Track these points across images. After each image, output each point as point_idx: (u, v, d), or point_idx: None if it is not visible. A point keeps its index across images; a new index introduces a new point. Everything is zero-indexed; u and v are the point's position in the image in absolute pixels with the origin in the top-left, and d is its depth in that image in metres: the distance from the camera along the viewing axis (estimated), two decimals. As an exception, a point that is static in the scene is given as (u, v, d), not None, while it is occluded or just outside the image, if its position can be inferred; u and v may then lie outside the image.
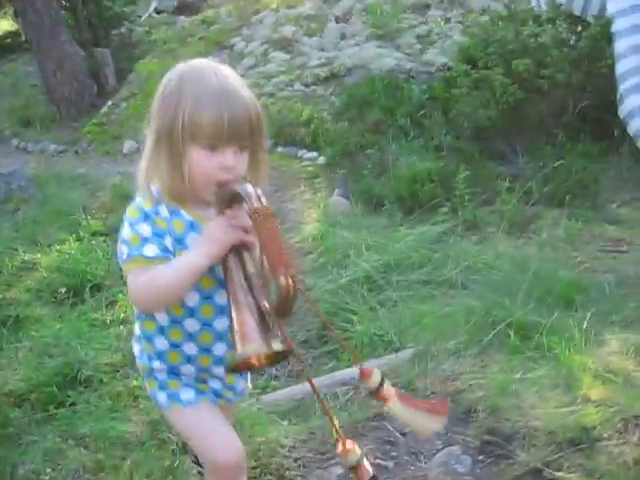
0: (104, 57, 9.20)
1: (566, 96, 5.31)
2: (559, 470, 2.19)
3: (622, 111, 4.93)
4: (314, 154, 6.24)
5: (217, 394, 1.73)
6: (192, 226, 1.57)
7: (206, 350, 1.64)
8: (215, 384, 1.72)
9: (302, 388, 2.90)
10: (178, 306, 1.59)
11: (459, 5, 8.86)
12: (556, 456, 2.24)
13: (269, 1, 9.66)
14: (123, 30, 10.26)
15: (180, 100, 1.49)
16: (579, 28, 5.55)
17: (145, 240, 1.52)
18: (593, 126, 5.29)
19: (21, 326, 3.78)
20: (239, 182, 1.48)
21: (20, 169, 6.39)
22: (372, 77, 6.80)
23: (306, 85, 7.58)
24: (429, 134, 5.72)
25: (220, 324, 1.61)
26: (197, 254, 1.49)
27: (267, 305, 1.43)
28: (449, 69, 6.54)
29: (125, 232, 1.56)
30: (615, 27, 4.96)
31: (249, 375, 1.84)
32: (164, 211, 1.56)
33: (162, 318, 1.62)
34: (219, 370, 1.68)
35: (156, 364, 1.69)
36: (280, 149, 6.54)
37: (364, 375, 1.45)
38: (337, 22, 8.76)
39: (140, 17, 11.14)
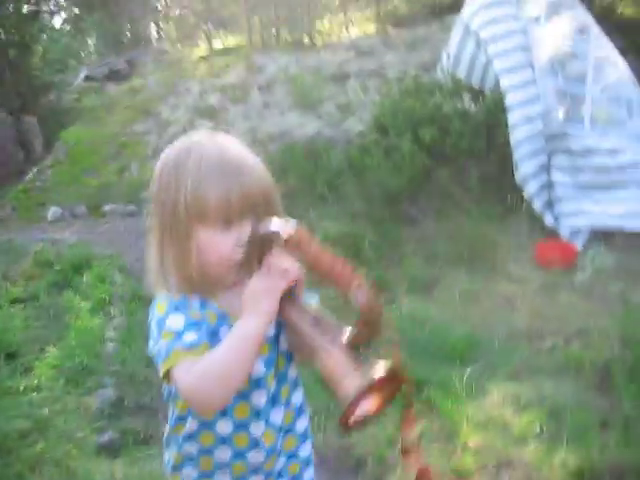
0: (31, 125, 9.31)
1: (469, 162, 5.69)
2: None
3: (518, 177, 5.33)
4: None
5: None
6: (223, 318, 1.36)
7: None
8: None
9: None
10: (209, 435, 1.39)
11: (376, 74, 9.36)
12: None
13: (195, 71, 10.00)
14: (52, 97, 10.39)
15: (179, 179, 1.31)
16: (479, 99, 6.00)
17: (180, 332, 1.29)
18: (494, 190, 5.67)
19: None
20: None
21: (-59, 238, 6.39)
22: (292, 145, 7.10)
23: (230, 152, 7.86)
24: (345, 200, 6.00)
25: (255, 458, 1.41)
26: (250, 318, 1.26)
27: (349, 336, 1.25)
28: (365, 137, 6.91)
29: (154, 333, 1.32)
30: (508, 100, 5.39)
31: None
32: (195, 302, 1.34)
33: (193, 447, 1.42)
34: None
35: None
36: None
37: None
38: (261, 91, 9.13)
39: (69, 85, 11.32)
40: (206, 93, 9.20)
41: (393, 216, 5.59)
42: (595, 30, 5.79)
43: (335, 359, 1.22)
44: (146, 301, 5.12)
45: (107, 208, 7.42)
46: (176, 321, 1.29)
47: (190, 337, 1.27)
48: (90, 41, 18.03)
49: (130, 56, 13.73)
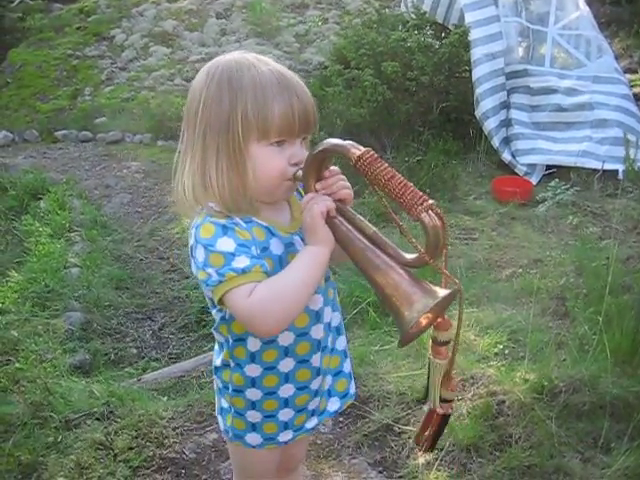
0: (-26, 44, 8.88)
1: (430, 97, 5.74)
2: (406, 425, 2.53)
3: (478, 112, 5.43)
4: (194, 148, 6.37)
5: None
6: (271, 232, 1.37)
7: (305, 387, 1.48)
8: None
9: (181, 366, 3.10)
10: (272, 351, 1.42)
11: (336, 6, 9.24)
12: (405, 413, 2.58)
13: (149, -6, 9.66)
14: (-6, 15, 9.90)
15: (237, 95, 1.28)
16: (442, 35, 6.02)
17: (231, 255, 1.26)
18: (454, 125, 5.76)
19: None
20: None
21: None
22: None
23: (186, 80, 7.70)
24: (305, 130, 6.00)
25: (317, 361, 1.47)
26: (317, 246, 1.32)
27: (407, 256, 1.32)
28: (325, 68, 6.87)
29: (200, 257, 1.28)
30: (472, 36, 5.43)
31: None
32: (241, 221, 1.32)
33: (256, 367, 1.43)
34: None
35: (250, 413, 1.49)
36: (160, 142, 6.65)
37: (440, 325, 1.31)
38: (218, 18, 8.91)
39: (12, 2, 10.78)
40: (161, 18, 8.92)
41: (354, 148, 5.63)
42: (558, -31, 5.84)
43: (393, 281, 1.27)
44: (107, 228, 5.11)
45: (60, 133, 7.23)
46: (226, 244, 1.27)
47: (242, 262, 1.26)
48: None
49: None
